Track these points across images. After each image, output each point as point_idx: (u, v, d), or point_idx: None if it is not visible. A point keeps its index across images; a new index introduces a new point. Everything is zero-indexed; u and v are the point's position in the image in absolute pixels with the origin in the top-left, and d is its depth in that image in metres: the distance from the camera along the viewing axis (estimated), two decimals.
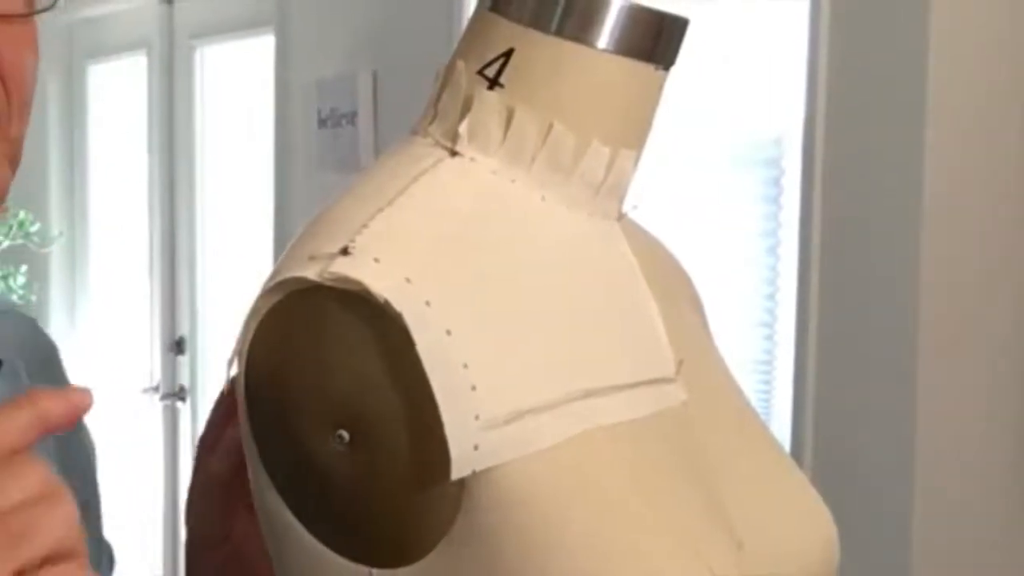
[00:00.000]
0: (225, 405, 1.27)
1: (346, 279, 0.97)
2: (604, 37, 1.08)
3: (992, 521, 2.78)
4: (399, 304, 0.96)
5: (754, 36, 3.12)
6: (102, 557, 1.30)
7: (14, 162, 1.10)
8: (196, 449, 1.31)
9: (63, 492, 0.81)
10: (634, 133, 1.13)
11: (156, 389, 5.85)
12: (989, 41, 2.69)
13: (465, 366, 0.97)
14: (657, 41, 1.11)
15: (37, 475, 0.80)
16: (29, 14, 1.08)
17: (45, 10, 1.09)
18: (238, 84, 5.35)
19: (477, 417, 0.96)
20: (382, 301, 0.96)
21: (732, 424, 1.20)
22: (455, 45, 1.13)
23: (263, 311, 1.02)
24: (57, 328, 6.11)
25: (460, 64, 1.11)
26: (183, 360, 5.77)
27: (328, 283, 0.98)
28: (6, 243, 6.16)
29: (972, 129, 2.68)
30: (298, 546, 1.04)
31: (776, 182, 3.11)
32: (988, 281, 2.73)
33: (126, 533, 6.43)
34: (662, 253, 1.26)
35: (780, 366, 3.10)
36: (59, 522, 0.80)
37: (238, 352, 1.03)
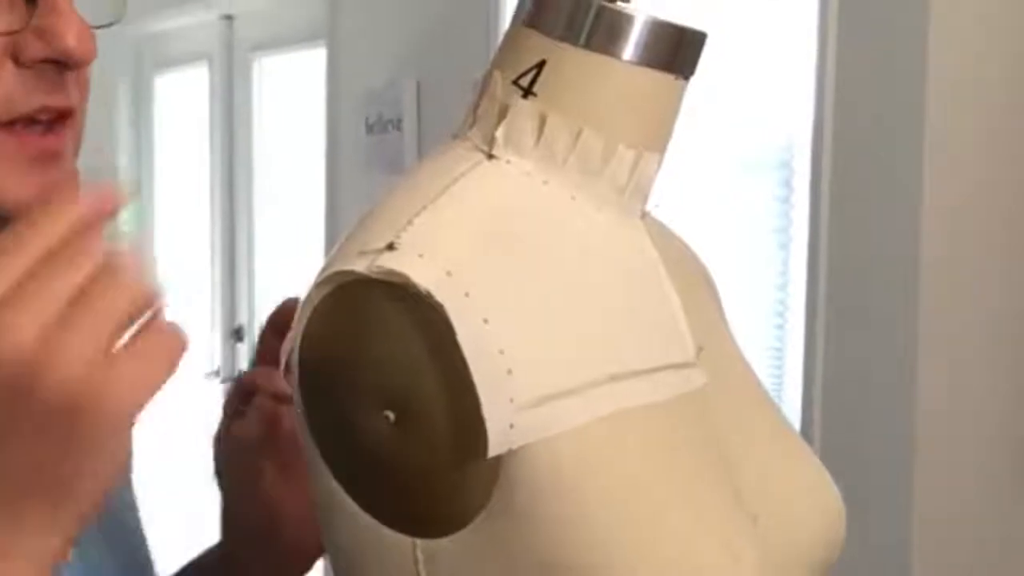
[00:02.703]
0: (248, 379, 1.29)
1: (392, 272, 0.97)
2: (629, 50, 1.08)
3: (989, 495, 2.77)
4: (440, 296, 0.96)
5: (767, 49, 3.11)
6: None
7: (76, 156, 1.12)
8: (222, 417, 1.32)
9: (123, 259, 0.84)
10: (657, 138, 1.13)
11: (217, 373, 5.86)
12: (986, 50, 2.68)
13: (501, 352, 0.97)
14: (678, 53, 1.11)
15: (96, 255, 0.83)
16: (110, 24, 1.09)
17: (108, 25, 1.10)
18: (292, 93, 5.35)
19: (512, 399, 0.96)
20: (424, 293, 0.96)
21: (748, 406, 1.20)
22: (492, 57, 1.13)
23: (316, 301, 1.02)
24: None
25: (497, 74, 1.11)
26: (242, 347, 5.78)
27: (375, 276, 0.98)
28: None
29: (969, 131, 2.67)
30: (347, 517, 1.04)
31: (787, 183, 3.10)
32: (985, 276, 2.72)
33: (185, 505, 6.45)
34: (682, 248, 1.26)
35: (791, 353, 3.09)
36: (129, 288, 0.83)
37: (293, 339, 1.03)
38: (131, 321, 0.83)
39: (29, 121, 1.03)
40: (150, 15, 6.04)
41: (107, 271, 0.84)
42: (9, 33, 1.00)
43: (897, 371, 2.72)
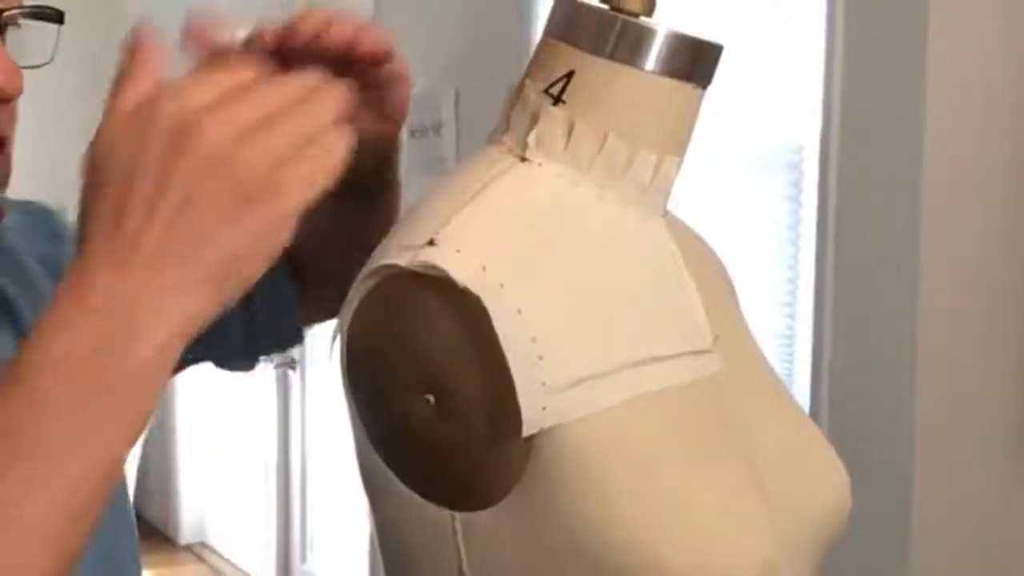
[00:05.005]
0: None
1: (432, 267, 0.97)
2: (651, 61, 1.08)
3: (989, 473, 2.77)
4: (476, 288, 0.96)
5: (777, 57, 3.11)
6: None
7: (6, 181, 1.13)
8: None
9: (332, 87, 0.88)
10: (677, 142, 1.13)
11: (271, 360, 5.87)
12: (986, 54, 2.67)
13: (534, 340, 0.97)
14: (696, 64, 1.11)
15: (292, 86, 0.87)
16: (40, 65, 1.11)
17: (44, 64, 1.12)
18: None
19: (544, 383, 0.96)
20: (462, 286, 0.96)
21: (760, 390, 1.20)
22: (525, 67, 1.13)
23: (362, 293, 1.02)
24: None
25: (529, 84, 1.11)
26: None
27: (416, 270, 0.98)
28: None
29: (970, 132, 2.66)
30: (391, 493, 1.05)
31: (797, 183, 3.09)
32: (983, 269, 2.71)
33: (242, 485, 6.48)
34: (700, 244, 1.26)
35: (800, 340, 3.08)
36: (315, 115, 0.86)
37: (341, 328, 1.04)
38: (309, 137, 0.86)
39: None
40: None
41: (299, 100, 0.87)
42: None
43: (898, 357, 2.72)
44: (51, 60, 1.13)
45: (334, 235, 1.27)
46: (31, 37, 1.11)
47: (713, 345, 1.12)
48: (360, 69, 1.14)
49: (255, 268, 0.86)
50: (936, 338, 2.69)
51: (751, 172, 3.24)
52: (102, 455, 0.82)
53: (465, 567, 1.03)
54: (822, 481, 1.17)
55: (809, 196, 3.02)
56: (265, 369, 5.86)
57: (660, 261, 1.13)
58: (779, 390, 1.24)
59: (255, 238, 0.84)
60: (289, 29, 1.09)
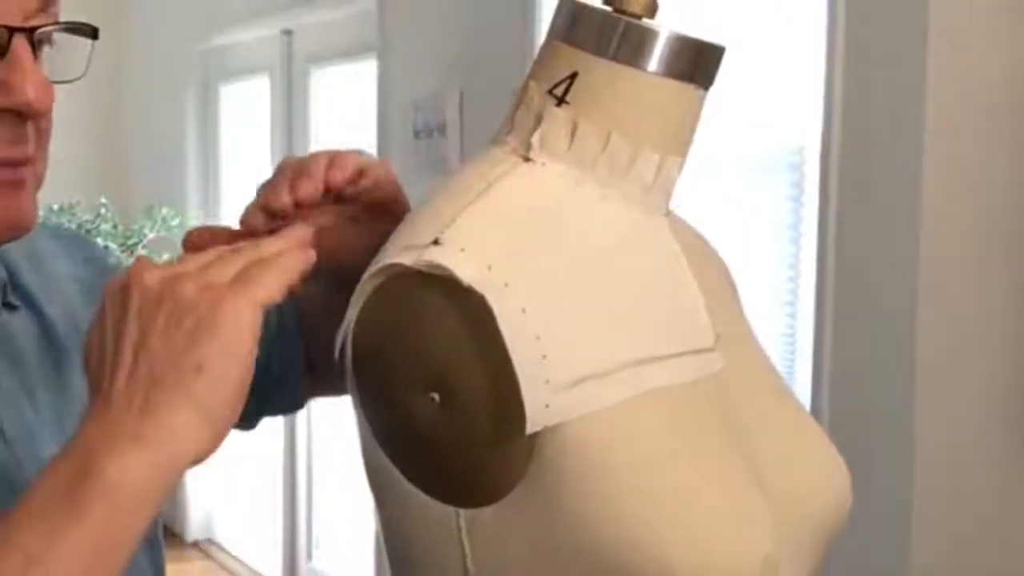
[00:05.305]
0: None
1: (437, 266, 0.97)
2: (654, 62, 1.08)
3: (987, 471, 2.76)
4: (481, 287, 0.96)
5: (779, 60, 3.11)
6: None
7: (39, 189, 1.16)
8: None
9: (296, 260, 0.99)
10: (679, 143, 1.13)
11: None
12: (986, 56, 2.67)
13: (538, 338, 0.97)
14: (698, 66, 1.11)
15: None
16: (73, 80, 1.13)
17: (76, 79, 1.14)
18: (346, 101, 5.36)
19: (548, 381, 0.96)
20: (467, 285, 0.97)
21: (762, 388, 1.20)
22: (529, 69, 1.13)
23: (368, 292, 1.02)
24: None
25: (533, 85, 1.11)
26: None
27: (422, 269, 0.98)
28: (152, 234, 6.20)
29: (969, 134, 2.66)
30: (396, 489, 1.05)
31: (798, 184, 3.09)
32: (981, 270, 2.71)
33: (249, 483, 6.48)
34: (703, 244, 1.26)
35: (801, 339, 3.08)
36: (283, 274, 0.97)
37: (346, 327, 1.04)
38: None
39: None
40: (216, 31, 6.07)
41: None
42: None
43: (899, 357, 2.72)
44: (84, 75, 1.15)
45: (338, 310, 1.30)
46: (59, 51, 1.13)
47: (715, 344, 1.12)
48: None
49: (225, 391, 0.93)
50: (936, 338, 2.69)
51: (753, 173, 3.24)
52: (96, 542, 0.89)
53: (469, 563, 1.03)
54: (823, 479, 1.17)
55: (810, 197, 3.02)
56: None
57: (663, 260, 1.13)
58: (781, 388, 1.24)
59: (215, 358, 0.91)
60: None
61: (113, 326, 0.94)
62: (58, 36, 1.11)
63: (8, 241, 1.13)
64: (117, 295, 0.95)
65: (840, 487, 1.18)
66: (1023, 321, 2.73)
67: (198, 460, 0.93)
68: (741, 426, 1.10)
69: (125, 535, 0.90)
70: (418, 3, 4.55)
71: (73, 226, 6.00)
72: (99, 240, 6.09)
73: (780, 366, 1.27)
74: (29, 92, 1.05)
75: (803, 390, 2.95)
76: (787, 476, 1.11)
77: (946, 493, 2.74)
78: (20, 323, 1.20)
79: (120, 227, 6.27)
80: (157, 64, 6.71)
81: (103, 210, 6.24)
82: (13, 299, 1.22)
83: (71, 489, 0.89)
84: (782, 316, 3.16)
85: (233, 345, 0.92)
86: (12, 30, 1.04)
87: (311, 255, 1.01)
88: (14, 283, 1.23)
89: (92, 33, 1.15)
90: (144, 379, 0.91)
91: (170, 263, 0.99)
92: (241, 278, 0.94)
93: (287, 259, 0.98)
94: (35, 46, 1.06)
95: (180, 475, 0.92)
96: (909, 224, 2.66)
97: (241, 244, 1.01)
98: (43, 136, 1.12)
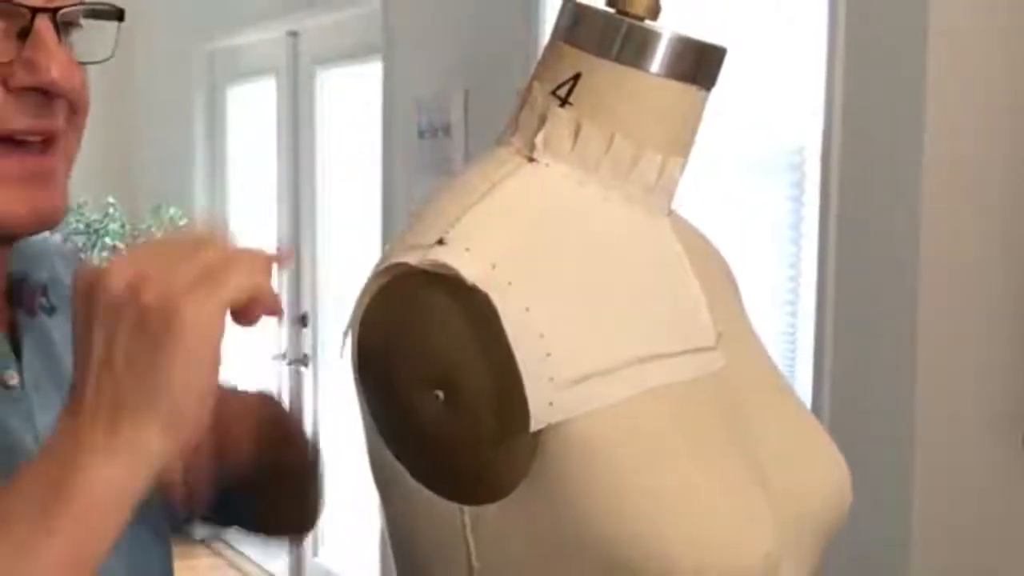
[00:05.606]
0: None
1: (441, 265, 0.98)
2: (656, 63, 1.08)
3: (987, 467, 2.76)
4: (485, 286, 0.97)
5: (780, 62, 3.11)
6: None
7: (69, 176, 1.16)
8: None
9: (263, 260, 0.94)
10: (681, 143, 1.13)
11: (284, 356, 5.87)
12: (986, 57, 2.67)
13: (541, 336, 0.97)
14: (700, 67, 1.11)
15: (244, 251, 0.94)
16: (100, 62, 1.14)
17: (104, 61, 1.15)
18: (351, 102, 5.36)
19: (551, 379, 0.97)
20: (471, 284, 0.97)
21: (763, 386, 1.20)
22: (533, 70, 1.13)
23: (373, 291, 1.02)
24: None
25: (536, 86, 1.12)
26: (306, 332, 5.80)
27: (427, 268, 0.98)
28: (160, 234, 6.21)
29: (967, 134, 2.66)
30: (401, 487, 1.05)
31: (799, 184, 3.09)
32: (981, 268, 2.71)
33: None
34: (704, 243, 1.26)
35: (802, 337, 3.08)
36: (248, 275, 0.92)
37: (352, 325, 1.04)
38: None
39: (22, 142, 1.07)
40: (223, 32, 6.07)
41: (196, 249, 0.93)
42: (6, 63, 1.05)
43: (899, 355, 2.72)
44: (111, 56, 1.15)
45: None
46: (86, 34, 1.14)
47: (717, 342, 1.12)
48: None
49: (190, 399, 0.91)
50: (936, 336, 2.69)
51: (754, 173, 3.24)
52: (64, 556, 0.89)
53: (474, 560, 1.03)
54: (824, 476, 1.17)
55: (811, 196, 3.02)
56: (279, 366, 5.87)
57: (665, 260, 1.13)
58: (782, 386, 1.24)
59: (177, 370, 0.90)
60: None
61: (81, 333, 0.93)
62: (85, 20, 1.12)
63: (37, 233, 1.13)
64: (85, 295, 0.93)
65: (841, 485, 1.18)
66: (1023, 321, 2.73)
67: (157, 469, 0.92)
68: (742, 424, 1.10)
69: (93, 547, 0.90)
70: (422, 5, 4.54)
71: (81, 226, 6.01)
72: (107, 240, 6.10)
73: (781, 365, 1.27)
74: (53, 71, 1.05)
75: (804, 389, 2.94)
76: (788, 474, 1.11)
77: (946, 493, 2.73)
78: (58, 325, 1.20)
79: (128, 227, 6.27)
80: (165, 66, 6.71)
81: (111, 210, 6.24)
82: (54, 301, 1.22)
83: (43, 501, 0.89)
84: (783, 315, 3.16)
85: (197, 353, 0.90)
86: (35, 10, 1.05)
87: (277, 261, 0.98)
88: (56, 287, 1.23)
89: (118, 15, 1.15)
90: (108, 396, 0.90)
91: (144, 250, 0.99)
92: (206, 279, 0.91)
93: (256, 259, 0.95)
94: (60, 27, 1.07)
95: (147, 483, 0.92)
96: (910, 223, 2.66)
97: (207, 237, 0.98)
98: (76, 124, 1.13)
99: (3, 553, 0.87)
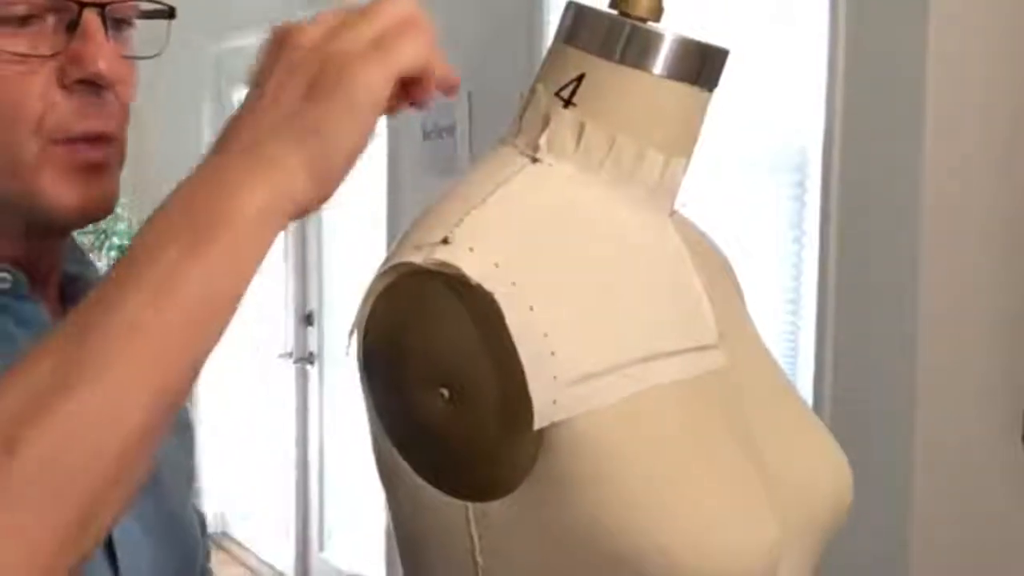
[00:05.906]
0: None
1: (446, 264, 0.98)
2: (659, 65, 1.08)
3: (985, 467, 2.76)
4: (489, 285, 0.97)
5: (782, 63, 3.11)
6: (196, 520, 1.31)
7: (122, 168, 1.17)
8: None
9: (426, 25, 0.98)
10: (684, 144, 1.13)
11: (290, 355, 5.88)
12: (985, 58, 2.67)
13: (545, 335, 0.97)
14: (703, 68, 1.11)
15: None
16: (151, 57, 1.17)
17: (154, 56, 1.18)
18: None
19: (555, 378, 0.97)
20: (475, 283, 0.97)
21: (765, 384, 1.20)
22: (536, 71, 1.14)
23: (378, 290, 1.02)
24: None
25: (540, 87, 1.12)
26: (312, 331, 5.81)
27: (431, 268, 0.98)
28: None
29: (967, 134, 2.66)
30: (407, 484, 1.05)
31: (801, 184, 3.09)
32: (981, 268, 2.71)
33: (262, 477, 6.49)
34: (707, 243, 1.26)
35: (803, 337, 3.08)
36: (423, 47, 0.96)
37: (358, 324, 1.04)
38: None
39: (77, 139, 1.09)
40: (231, 34, 6.07)
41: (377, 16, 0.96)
42: (53, 55, 1.06)
43: (899, 352, 2.72)
44: (161, 52, 1.18)
45: None
46: (138, 31, 1.16)
47: (719, 341, 1.12)
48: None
49: (342, 145, 0.92)
50: (937, 336, 2.69)
51: (756, 173, 3.24)
52: (205, 288, 0.88)
53: (478, 555, 1.03)
54: (824, 474, 1.17)
55: (812, 196, 3.02)
56: (285, 364, 5.87)
57: (668, 259, 1.13)
58: (784, 385, 1.24)
59: (333, 122, 0.91)
60: None
61: (257, 80, 0.95)
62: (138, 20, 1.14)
63: (89, 224, 1.15)
64: (275, 43, 0.96)
65: (841, 484, 1.18)
66: (1023, 321, 2.73)
67: (299, 210, 0.92)
68: (744, 422, 1.10)
69: (232, 283, 0.90)
70: (426, 5, 4.53)
71: (89, 226, 6.01)
72: (115, 240, 6.11)
73: (782, 364, 1.27)
74: (101, 62, 1.07)
75: (805, 388, 2.94)
76: (789, 472, 1.11)
77: (946, 493, 2.73)
78: None
79: (136, 228, 6.26)
80: (172, 68, 6.71)
81: (119, 210, 6.23)
82: None
83: (192, 227, 0.89)
84: (784, 315, 3.16)
85: (359, 111, 0.91)
86: (83, 5, 1.07)
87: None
88: None
89: (169, 13, 1.18)
90: (266, 129, 0.91)
91: (334, 15, 0.98)
92: (382, 46, 0.93)
93: (428, 29, 0.98)
94: (108, 23, 1.08)
95: (288, 219, 0.92)
96: (910, 222, 2.66)
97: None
98: (123, 114, 1.14)
99: (148, 280, 0.87)
